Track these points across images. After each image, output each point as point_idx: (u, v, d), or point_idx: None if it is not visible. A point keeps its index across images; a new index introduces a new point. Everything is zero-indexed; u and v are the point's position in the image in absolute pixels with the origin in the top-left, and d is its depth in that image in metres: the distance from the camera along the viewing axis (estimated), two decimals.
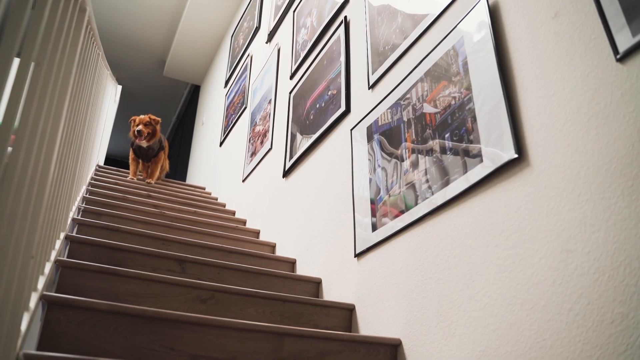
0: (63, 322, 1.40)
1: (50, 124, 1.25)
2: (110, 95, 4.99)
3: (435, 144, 1.84)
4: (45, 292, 1.43)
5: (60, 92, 1.33)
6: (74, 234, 2.10)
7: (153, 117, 4.42)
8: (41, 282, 1.46)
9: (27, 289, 1.18)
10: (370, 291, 2.02)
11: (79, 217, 2.45)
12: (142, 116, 4.43)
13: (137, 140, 4.36)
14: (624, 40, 1.23)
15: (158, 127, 4.46)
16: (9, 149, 0.94)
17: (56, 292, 1.69)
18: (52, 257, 1.71)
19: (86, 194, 3.07)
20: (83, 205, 2.74)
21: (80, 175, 2.58)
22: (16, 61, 0.95)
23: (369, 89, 2.41)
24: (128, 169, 4.58)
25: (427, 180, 1.83)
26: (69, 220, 2.21)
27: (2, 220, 0.94)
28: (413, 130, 1.99)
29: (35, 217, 1.20)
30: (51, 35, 1.16)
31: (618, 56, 1.24)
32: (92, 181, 3.59)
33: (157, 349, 1.47)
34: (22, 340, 1.15)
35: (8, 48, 0.87)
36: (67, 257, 1.98)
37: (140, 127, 4.28)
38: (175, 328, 1.52)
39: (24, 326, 1.18)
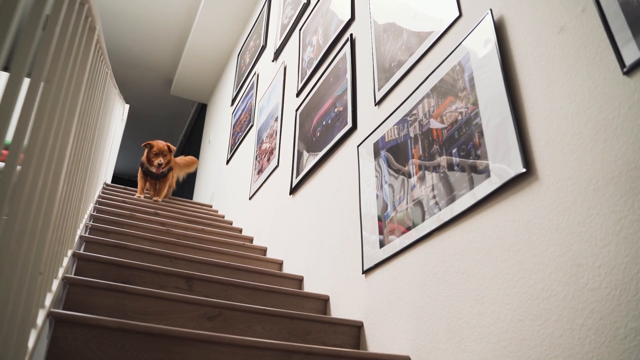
0: (70, 340, 1.40)
1: (59, 142, 1.26)
2: (118, 113, 5.04)
3: (442, 159, 1.84)
4: (52, 309, 1.43)
5: (69, 109, 1.34)
6: (81, 252, 2.10)
7: (170, 145, 4.48)
8: (48, 299, 1.45)
9: (34, 305, 1.18)
10: (379, 308, 2.00)
11: (87, 235, 2.46)
12: (159, 143, 4.42)
13: (152, 169, 4.38)
14: (631, 54, 1.23)
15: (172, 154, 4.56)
16: (18, 167, 0.94)
17: (63, 309, 1.68)
18: (60, 274, 1.71)
19: (94, 212, 3.08)
20: (90, 222, 2.75)
21: (88, 193, 2.59)
22: (27, 81, 0.96)
23: (375, 105, 2.42)
24: (135, 187, 4.59)
25: (435, 196, 1.83)
26: (77, 237, 2.21)
27: (11, 236, 0.95)
28: (420, 146, 1.99)
29: (43, 233, 1.20)
30: (61, 53, 1.18)
31: (625, 69, 1.24)
32: (100, 199, 3.60)
33: None
34: (29, 357, 1.15)
35: (18, 68, 0.88)
36: (75, 275, 1.98)
37: (160, 159, 4.35)
38: (182, 345, 1.51)
39: (31, 343, 1.17)
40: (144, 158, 4.44)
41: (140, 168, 4.52)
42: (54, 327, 1.39)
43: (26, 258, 1.06)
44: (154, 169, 4.37)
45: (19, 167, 0.96)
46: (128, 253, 2.37)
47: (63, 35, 1.18)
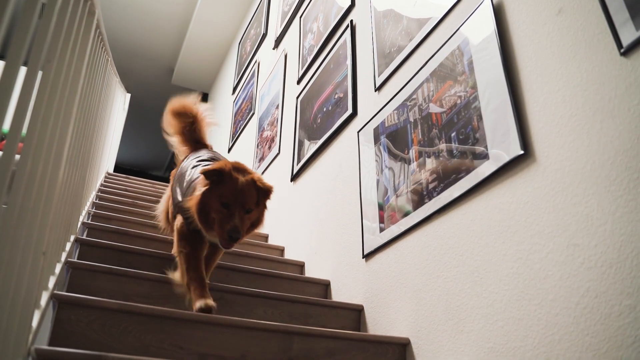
0: (73, 321, 1.42)
1: (59, 126, 1.26)
2: (119, 102, 5.03)
3: (441, 143, 1.85)
4: (56, 292, 1.45)
5: (69, 96, 1.35)
6: (84, 237, 2.12)
7: (267, 183, 1.99)
8: (52, 282, 1.47)
9: (37, 286, 1.20)
10: (379, 291, 2.02)
11: (89, 221, 2.48)
12: (239, 176, 1.83)
13: (217, 239, 1.81)
14: (628, 35, 1.23)
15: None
16: (17, 156, 0.94)
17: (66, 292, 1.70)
18: (63, 259, 1.73)
19: (96, 200, 3.10)
20: (93, 210, 2.77)
21: (90, 180, 2.60)
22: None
23: (375, 91, 2.42)
24: (137, 176, 4.53)
25: (434, 180, 1.83)
26: (79, 224, 2.23)
27: (12, 218, 0.96)
28: (419, 130, 2.00)
29: (45, 217, 1.21)
30: (60, 37, 1.18)
31: (622, 50, 1.24)
32: (102, 187, 3.62)
33: (166, 348, 1.48)
34: (33, 335, 1.17)
35: (16, 52, 0.88)
36: (77, 259, 2.00)
37: (237, 220, 1.75)
38: (184, 327, 1.53)
39: (35, 323, 1.19)
40: (193, 204, 1.75)
41: (182, 219, 1.88)
42: (57, 309, 1.41)
43: (28, 239, 1.07)
44: (221, 241, 1.77)
45: (17, 157, 0.97)
46: (130, 239, 2.38)
47: (62, 19, 1.18)
